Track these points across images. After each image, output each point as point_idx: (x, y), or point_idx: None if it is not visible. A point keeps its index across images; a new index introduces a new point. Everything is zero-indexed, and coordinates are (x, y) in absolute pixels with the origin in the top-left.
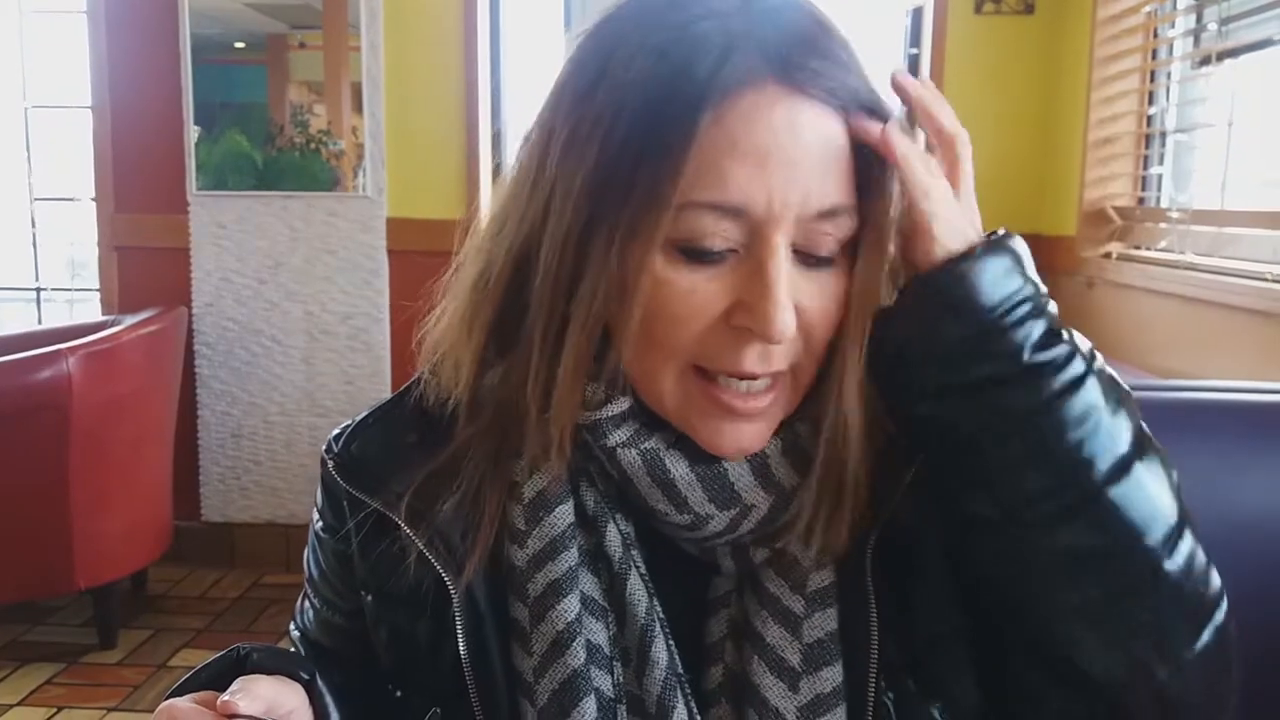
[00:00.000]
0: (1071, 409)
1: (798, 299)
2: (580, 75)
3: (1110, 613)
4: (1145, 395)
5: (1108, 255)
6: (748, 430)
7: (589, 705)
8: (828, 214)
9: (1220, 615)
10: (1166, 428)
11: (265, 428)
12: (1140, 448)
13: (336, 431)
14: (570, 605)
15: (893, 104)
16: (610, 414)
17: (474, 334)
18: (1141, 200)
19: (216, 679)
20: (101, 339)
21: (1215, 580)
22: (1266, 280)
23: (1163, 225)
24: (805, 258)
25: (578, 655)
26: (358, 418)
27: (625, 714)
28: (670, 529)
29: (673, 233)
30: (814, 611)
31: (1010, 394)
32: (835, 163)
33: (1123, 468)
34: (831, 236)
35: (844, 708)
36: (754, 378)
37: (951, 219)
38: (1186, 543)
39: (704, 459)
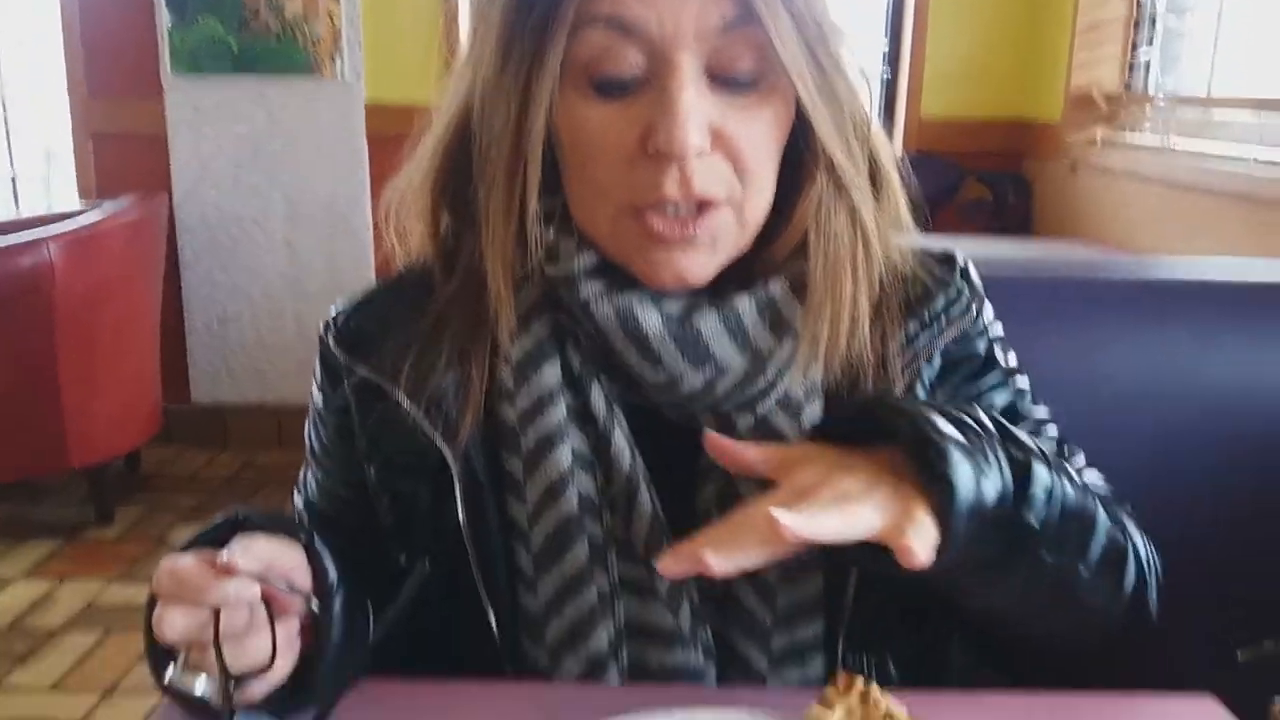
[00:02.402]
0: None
1: (717, 122)
2: None
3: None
4: (1119, 277)
5: (1092, 141)
6: (682, 258)
7: (581, 547)
8: (732, 26)
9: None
10: (1141, 309)
11: (250, 311)
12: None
13: (335, 309)
14: (562, 455)
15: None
16: (583, 265)
17: (422, 196)
18: (1129, 86)
19: (216, 542)
20: (82, 226)
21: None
22: (1250, 163)
23: (1148, 109)
24: (724, 81)
25: (570, 502)
26: (358, 294)
27: (615, 558)
28: (649, 392)
29: (577, 56)
30: None
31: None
32: None
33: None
34: (746, 54)
35: (820, 575)
36: (676, 203)
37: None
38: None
39: (677, 314)
